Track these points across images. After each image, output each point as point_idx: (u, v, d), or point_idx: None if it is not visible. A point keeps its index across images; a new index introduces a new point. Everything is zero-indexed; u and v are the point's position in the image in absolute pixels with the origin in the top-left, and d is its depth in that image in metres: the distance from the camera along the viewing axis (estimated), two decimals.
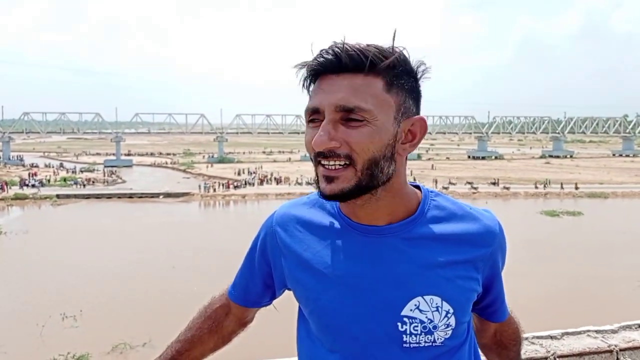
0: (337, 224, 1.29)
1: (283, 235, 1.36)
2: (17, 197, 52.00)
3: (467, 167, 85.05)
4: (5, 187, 54.86)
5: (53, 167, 79.18)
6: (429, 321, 1.17)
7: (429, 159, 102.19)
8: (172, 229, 39.40)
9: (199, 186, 58.78)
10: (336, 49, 1.13)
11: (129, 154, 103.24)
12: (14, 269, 28.25)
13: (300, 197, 1.42)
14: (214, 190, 57.77)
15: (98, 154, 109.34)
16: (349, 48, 1.13)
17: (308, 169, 79.71)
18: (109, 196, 54.89)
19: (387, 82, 1.15)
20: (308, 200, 1.38)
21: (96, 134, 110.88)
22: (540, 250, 32.16)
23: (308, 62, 1.17)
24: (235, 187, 59.42)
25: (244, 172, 75.07)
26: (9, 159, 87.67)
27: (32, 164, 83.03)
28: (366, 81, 1.13)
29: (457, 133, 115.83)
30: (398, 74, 1.16)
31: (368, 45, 1.14)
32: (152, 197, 54.77)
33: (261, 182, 64.25)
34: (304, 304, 1.34)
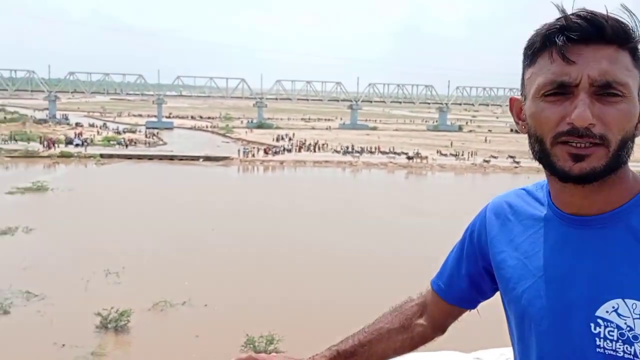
0: (546, 214, 1.20)
1: (494, 222, 1.30)
2: (63, 155, 53.46)
3: (509, 140, 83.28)
4: (52, 144, 56.43)
5: (97, 126, 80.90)
6: (629, 329, 1.02)
7: (470, 131, 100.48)
8: (212, 192, 39.92)
9: (238, 151, 59.24)
10: (593, 17, 1.04)
11: (169, 117, 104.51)
12: (60, 225, 29.15)
13: (517, 188, 1.33)
14: (253, 155, 58.16)
15: (140, 115, 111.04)
16: (605, 17, 1.04)
17: (347, 137, 79.35)
18: (151, 157, 55.87)
19: (632, 56, 1.07)
20: (524, 190, 1.31)
21: (138, 95, 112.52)
22: None
23: (554, 27, 1.06)
24: (274, 153, 59.64)
25: (282, 139, 75.18)
26: (55, 117, 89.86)
27: (77, 123, 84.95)
28: (619, 54, 1.05)
29: (500, 105, 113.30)
30: (638, 48, 1.07)
31: (611, 15, 1.05)
32: (192, 159, 55.49)
33: (299, 149, 64.29)
34: (503, 294, 1.27)
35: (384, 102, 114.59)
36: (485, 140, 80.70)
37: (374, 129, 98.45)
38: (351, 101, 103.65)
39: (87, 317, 16.84)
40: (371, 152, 63.60)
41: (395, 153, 62.11)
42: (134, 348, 15.91)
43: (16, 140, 58.32)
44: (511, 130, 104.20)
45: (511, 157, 62.50)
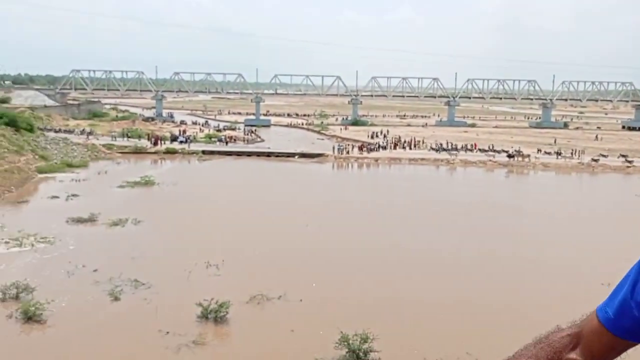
0: None
1: None
2: (168, 152, 56.31)
3: (620, 138, 77.80)
4: (159, 142, 59.60)
5: (199, 124, 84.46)
6: None
7: (577, 127, 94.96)
8: (306, 188, 40.43)
9: (333, 148, 59.56)
10: None
11: (267, 114, 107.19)
12: (165, 217, 30.66)
13: None
14: (348, 152, 58.23)
15: (239, 113, 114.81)
16: None
17: (443, 134, 77.50)
18: (249, 154, 57.51)
19: None
20: None
21: (238, 94, 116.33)
22: None
23: None
24: (369, 150, 59.40)
25: (377, 136, 74.78)
26: (161, 115, 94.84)
27: (182, 121, 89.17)
28: None
29: (611, 101, 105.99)
30: None
31: None
32: (288, 156, 56.50)
33: (394, 147, 63.59)
34: None
35: (483, 98, 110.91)
36: (596, 138, 75.76)
37: (473, 126, 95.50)
38: (448, 97, 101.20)
39: (189, 306, 17.51)
40: (469, 150, 61.72)
41: (494, 151, 59.85)
42: (232, 339, 16.35)
43: (129, 137, 62.01)
44: (623, 127, 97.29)
45: (623, 155, 58.26)
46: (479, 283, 21.42)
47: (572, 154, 58.37)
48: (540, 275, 22.18)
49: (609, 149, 62.97)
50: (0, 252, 23.29)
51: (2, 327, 16.47)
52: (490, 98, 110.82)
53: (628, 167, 53.20)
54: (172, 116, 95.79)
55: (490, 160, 55.65)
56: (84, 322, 16.98)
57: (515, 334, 16.37)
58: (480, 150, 61.46)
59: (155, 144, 59.10)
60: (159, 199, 35.78)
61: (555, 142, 69.88)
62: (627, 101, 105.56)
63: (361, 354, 14.72)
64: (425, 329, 17.05)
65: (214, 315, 17.15)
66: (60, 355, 14.98)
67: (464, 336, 16.57)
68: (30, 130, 52.69)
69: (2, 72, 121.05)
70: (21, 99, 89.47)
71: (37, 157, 46.36)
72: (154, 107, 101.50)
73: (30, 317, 16.87)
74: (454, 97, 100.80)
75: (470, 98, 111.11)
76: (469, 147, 62.59)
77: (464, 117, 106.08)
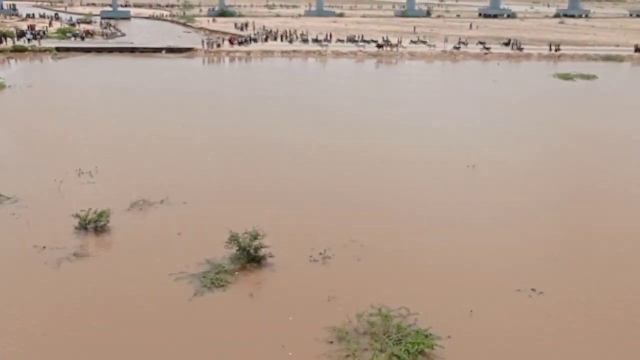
0: None
1: None
2: (16, 49, 50.41)
3: (478, 25, 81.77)
4: (2, 39, 52.92)
5: (48, 17, 75.99)
6: None
7: (439, 16, 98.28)
8: (177, 84, 38.66)
9: (202, 41, 56.79)
10: None
11: (126, 5, 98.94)
12: (23, 124, 28.02)
13: None
14: (218, 46, 55.89)
15: (93, 4, 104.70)
16: None
17: (314, 25, 76.73)
18: (110, 50, 53.27)
19: None
20: None
21: None
22: (553, 113, 31.85)
23: None
24: (240, 43, 57.42)
25: (245, 27, 72.25)
26: (2, 8, 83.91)
27: (28, 14, 79.54)
28: None
29: None
30: None
31: None
32: (154, 51, 53.16)
33: (266, 39, 62.01)
34: None
35: None
36: (471, 27, 78.66)
37: (341, 15, 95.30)
38: None
39: (64, 218, 16.52)
40: (340, 41, 61.91)
41: (364, 41, 60.58)
42: (116, 248, 15.77)
43: None
44: (480, 14, 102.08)
45: (481, 43, 61.61)
46: (356, 177, 22.30)
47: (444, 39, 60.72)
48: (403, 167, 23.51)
49: (469, 37, 66.21)
50: None
51: None
52: None
53: (486, 53, 56.46)
54: (14, 9, 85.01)
55: (360, 51, 56.35)
56: None
57: (397, 222, 17.52)
58: (350, 40, 61.91)
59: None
60: (13, 104, 32.41)
61: (414, 30, 72.07)
62: None
63: (252, 250, 14.91)
64: (313, 222, 17.62)
65: (93, 225, 16.33)
66: None
67: (348, 225, 17.41)
68: None
69: None
70: None
71: None
72: None
73: None
74: None
75: None
76: (341, 38, 62.79)
77: (330, 7, 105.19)
